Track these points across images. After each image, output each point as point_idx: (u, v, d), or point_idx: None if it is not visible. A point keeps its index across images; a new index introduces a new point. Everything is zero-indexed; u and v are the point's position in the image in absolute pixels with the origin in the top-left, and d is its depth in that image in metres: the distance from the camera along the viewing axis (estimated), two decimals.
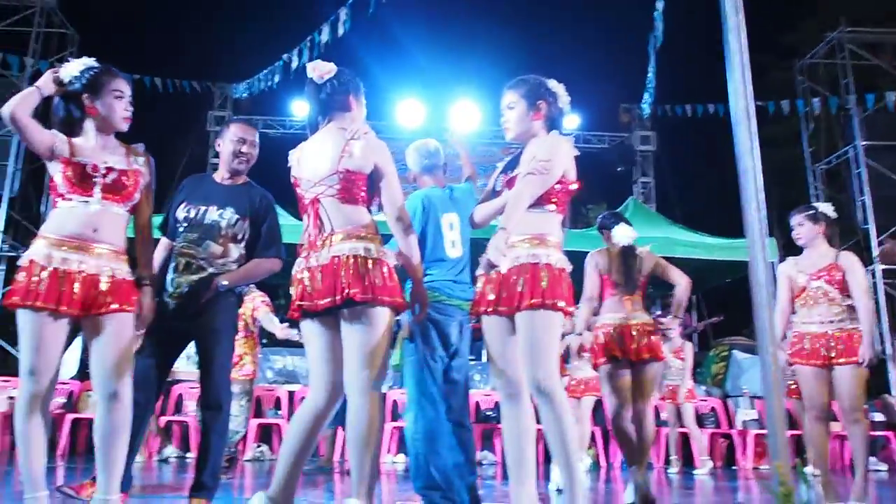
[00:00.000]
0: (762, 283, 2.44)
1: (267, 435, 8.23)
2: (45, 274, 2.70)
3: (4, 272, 11.08)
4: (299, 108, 14.36)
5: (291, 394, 8.34)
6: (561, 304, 2.78)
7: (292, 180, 2.95)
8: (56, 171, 2.85)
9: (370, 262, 2.70)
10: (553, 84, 3.09)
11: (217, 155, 14.48)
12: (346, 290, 2.63)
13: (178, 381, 8.18)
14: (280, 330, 6.01)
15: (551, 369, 2.76)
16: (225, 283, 3.48)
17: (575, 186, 2.98)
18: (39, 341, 2.69)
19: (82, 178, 2.84)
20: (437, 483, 3.52)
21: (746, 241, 2.50)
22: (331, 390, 2.78)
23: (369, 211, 2.86)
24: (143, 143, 3.09)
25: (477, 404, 8.33)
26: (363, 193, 2.82)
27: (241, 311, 5.90)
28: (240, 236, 3.62)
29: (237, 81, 13.48)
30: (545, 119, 3.06)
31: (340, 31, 9.37)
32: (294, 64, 10.70)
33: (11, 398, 8.19)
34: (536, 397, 2.78)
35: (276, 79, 11.57)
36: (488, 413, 8.25)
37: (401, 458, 7.86)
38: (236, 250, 3.60)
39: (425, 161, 3.93)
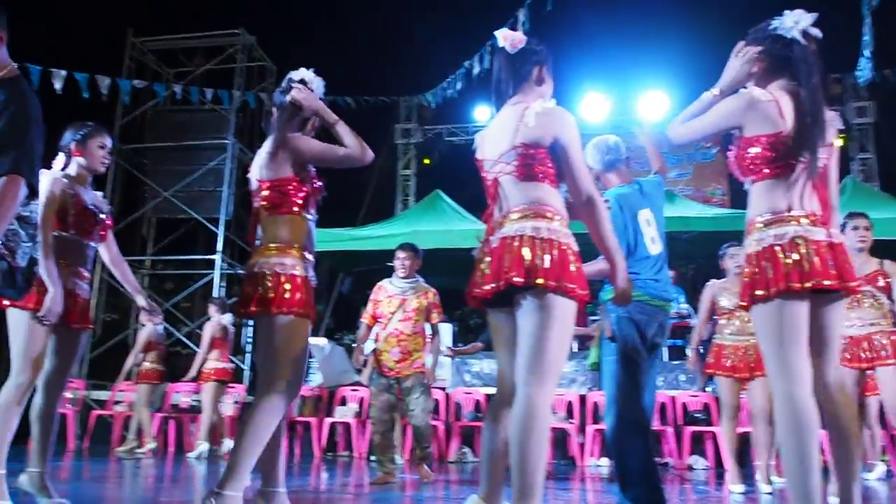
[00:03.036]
0: None
1: (469, 437, 8.38)
2: (307, 287, 2.88)
3: (226, 288, 12.14)
4: (482, 114, 14.57)
5: (490, 396, 8.41)
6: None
7: (477, 164, 2.71)
8: (306, 186, 2.94)
9: (538, 241, 2.39)
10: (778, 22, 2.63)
11: (407, 166, 14.94)
12: (507, 274, 2.37)
13: None
14: (437, 347, 5.85)
15: None
16: None
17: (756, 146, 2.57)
18: (305, 350, 2.87)
19: (313, 194, 2.99)
20: (642, 485, 3.39)
21: None
22: (510, 387, 2.47)
23: (557, 189, 2.55)
24: None
25: (684, 406, 7.98)
26: (545, 169, 2.50)
27: (415, 305, 5.52)
28: None
29: (421, 93, 13.92)
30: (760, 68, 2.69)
31: (520, 31, 9.39)
32: (475, 70, 10.86)
33: (236, 402, 8.99)
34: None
35: (459, 86, 11.80)
36: (696, 415, 7.87)
37: (604, 461, 7.71)
38: None
39: (607, 157, 3.76)
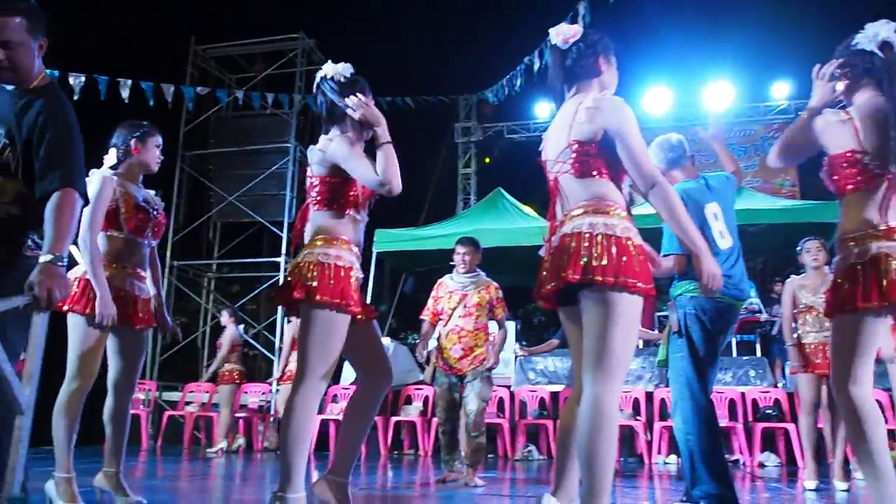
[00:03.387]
0: None
1: (534, 435, 8.33)
2: (352, 279, 2.82)
3: None
4: (542, 110, 14.45)
5: (555, 394, 8.36)
6: None
7: (542, 165, 2.67)
8: (357, 186, 2.90)
9: (595, 237, 2.33)
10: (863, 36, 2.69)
11: (468, 164, 14.77)
12: (564, 273, 2.33)
13: None
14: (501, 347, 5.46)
15: None
16: None
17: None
18: (341, 343, 2.78)
19: (365, 195, 2.95)
20: (715, 485, 3.31)
21: None
22: (579, 385, 2.43)
23: (619, 185, 2.48)
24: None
25: (755, 402, 7.76)
26: (601, 164, 2.43)
27: (476, 300, 5.31)
28: (13, 165, 2.45)
29: (481, 90, 13.88)
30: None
31: (575, 26, 9.23)
32: (535, 66, 10.75)
33: None
34: None
35: (519, 82, 11.71)
36: (767, 411, 7.65)
37: (672, 458, 7.58)
38: (11, 187, 2.43)
39: (669, 154, 3.78)
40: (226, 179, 12.72)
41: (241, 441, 8.65)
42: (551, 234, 2.53)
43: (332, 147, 2.86)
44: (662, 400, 7.81)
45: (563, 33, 2.61)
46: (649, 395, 8.10)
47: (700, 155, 12.04)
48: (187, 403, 9.63)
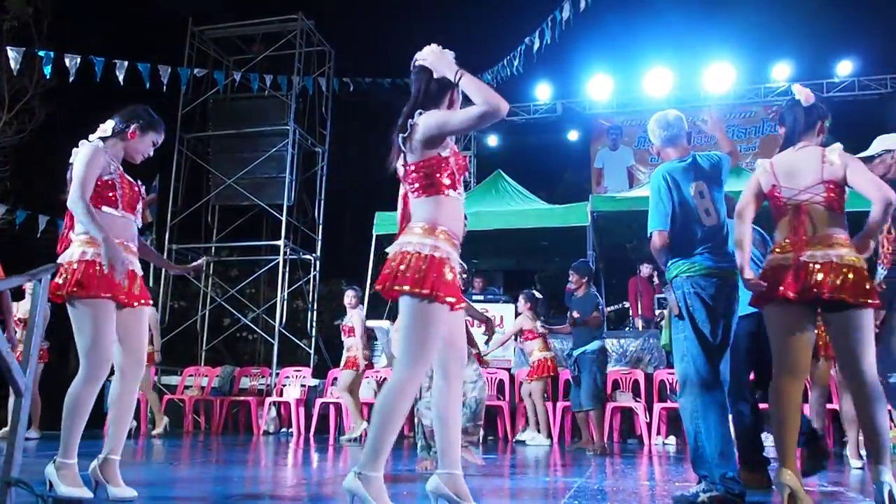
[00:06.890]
0: None
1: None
2: (448, 270, 2.70)
3: (288, 273, 12.27)
4: (543, 92, 14.34)
5: (554, 377, 8.36)
6: None
7: (768, 188, 3.35)
8: (449, 159, 2.78)
9: (842, 267, 3.08)
10: None
11: (467, 147, 14.59)
12: (820, 289, 3.06)
13: None
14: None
15: None
16: None
17: None
18: (427, 330, 2.69)
19: (459, 171, 2.84)
20: (722, 464, 3.32)
21: None
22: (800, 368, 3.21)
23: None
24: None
25: None
26: (842, 202, 3.23)
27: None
28: None
29: (480, 72, 13.77)
30: None
31: (583, 5, 9.10)
32: (535, 46, 10.62)
33: (303, 386, 9.19)
34: None
35: (517, 63, 11.59)
36: None
37: (671, 440, 7.62)
38: None
39: (665, 133, 3.80)
40: (224, 162, 12.67)
41: (363, 426, 8.06)
42: (797, 250, 3.17)
43: (423, 121, 2.73)
44: (662, 382, 7.84)
45: (805, 93, 3.39)
46: (649, 377, 8.13)
47: (701, 136, 12.02)
48: (187, 387, 9.65)
